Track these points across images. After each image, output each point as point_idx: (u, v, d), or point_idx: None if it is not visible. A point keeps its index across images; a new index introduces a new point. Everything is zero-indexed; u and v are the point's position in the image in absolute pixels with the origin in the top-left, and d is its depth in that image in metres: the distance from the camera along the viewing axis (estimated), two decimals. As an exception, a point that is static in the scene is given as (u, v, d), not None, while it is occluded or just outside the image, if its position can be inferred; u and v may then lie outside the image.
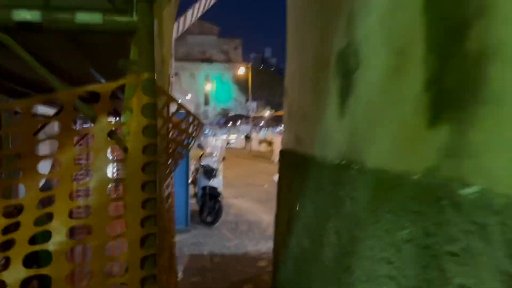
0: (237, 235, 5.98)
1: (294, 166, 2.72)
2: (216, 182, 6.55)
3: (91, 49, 1.39)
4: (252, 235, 5.99)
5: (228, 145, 41.16)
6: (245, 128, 42.94)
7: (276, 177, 4.47)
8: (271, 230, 6.59)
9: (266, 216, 7.26)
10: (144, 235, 0.99)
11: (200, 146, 7.09)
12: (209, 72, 68.78)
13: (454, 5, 1.00)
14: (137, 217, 0.98)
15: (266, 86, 65.52)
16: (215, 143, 7.18)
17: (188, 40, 70.81)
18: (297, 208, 2.56)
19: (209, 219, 6.40)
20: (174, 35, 12.62)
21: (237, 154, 26.90)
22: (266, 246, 5.42)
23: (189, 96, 61.47)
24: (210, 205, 6.40)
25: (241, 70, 31.48)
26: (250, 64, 30.62)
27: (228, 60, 70.90)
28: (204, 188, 6.45)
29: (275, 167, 13.66)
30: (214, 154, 6.96)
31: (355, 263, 1.47)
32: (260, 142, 29.98)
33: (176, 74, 69.82)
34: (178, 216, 5.92)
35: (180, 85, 70.79)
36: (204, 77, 66.92)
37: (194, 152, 7.18)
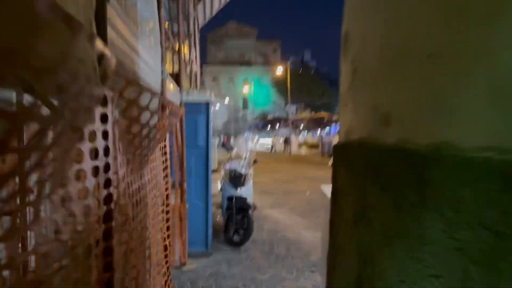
0: (272, 261, 4.59)
1: (375, 170, 1.28)
2: (245, 191, 5.21)
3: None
4: (291, 262, 4.57)
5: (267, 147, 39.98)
6: (284, 131, 41.45)
7: (326, 188, 3.03)
8: (315, 254, 5.16)
9: (309, 234, 5.81)
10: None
11: (225, 147, 5.78)
12: (247, 75, 68.00)
13: None
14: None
15: (305, 88, 63.66)
16: (245, 143, 5.84)
17: (226, 44, 70.60)
18: (382, 257, 1.15)
19: (236, 238, 5.07)
20: (201, 21, 11.58)
21: (276, 158, 25.49)
22: (311, 282, 3.98)
23: (227, 100, 61.00)
24: (237, 221, 5.07)
25: (279, 70, 30.08)
26: (288, 62, 29.19)
27: (267, 63, 69.83)
28: (230, 198, 5.14)
29: (318, 172, 12.17)
30: (243, 157, 5.63)
31: None
32: (300, 145, 28.39)
33: (215, 78, 69.84)
34: (195, 236, 4.62)
35: (219, 90, 70.75)
36: (243, 81, 66.19)
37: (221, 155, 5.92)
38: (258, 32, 73.48)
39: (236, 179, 5.26)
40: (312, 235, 5.74)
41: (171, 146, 4.14)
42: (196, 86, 8.38)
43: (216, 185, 7.89)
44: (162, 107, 2.49)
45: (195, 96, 4.74)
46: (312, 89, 63.93)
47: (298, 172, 15.65)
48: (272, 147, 30.56)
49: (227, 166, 5.39)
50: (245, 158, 5.60)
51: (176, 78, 4.52)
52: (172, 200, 4.24)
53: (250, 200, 5.27)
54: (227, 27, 72.49)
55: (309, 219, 6.84)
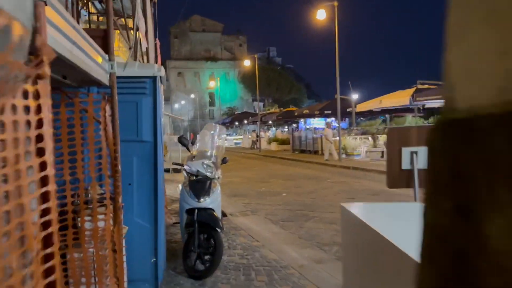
0: (250, 299, 3.27)
1: None
2: (211, 201, 3.84)
3: None
4: (277, 298, 3.26)
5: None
6: (252, 127, 40.17)
7: (351, 207, 1.77)
8: (308, 286, 3.86)
9: (294, 252, 4.52)
10: None
11: (182, 142, 4.36)
12: (213, 70, 66.13)
13: None
14: None
15: (273, 84, 62.70)
16: (210, 137, 4.45)
17: (191, 38, 68.24)
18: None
19: (199, 266, 3.69)
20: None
21: (245, 155, 24.17)
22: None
23: (192, 96, 58.94)
24: (201, 243, 3.69)
25: (247, 63, 28.72)
26: (256, 56, 27.91)
27: (233, 58, 68.20)
28: (190, 211, 3.76)
29: (292, 168, 10.85)
30: (209, 154, 4.26)
31: None
32: (270, 141, 27.22)
33: (179, 73, 67.39)
34: (138, 271, 3.21)
35: (184, 85, 68.33)
36: (209, 76, 64.24)
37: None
38: (223, 27, 71.66)
39: (198, 185, 3.87)
40: (299, 253, 4.46)
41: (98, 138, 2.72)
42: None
43: (178, 189, 6.49)
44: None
45: (136, 69, 3.31)
46: (280, 84, 63.06)
47: (271, 170, 14.42)
48: (253, 143, 29.16)
49: (187, 168, 3.98)
50: (212, 156, 4.23)
51: (103, 40, 3.05)
52: (100, 223, 2.82)
53: (218, 212, 3.91)
54: (191, 20, 70.06)
55: (291, 230, 5.57)
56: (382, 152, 14.94)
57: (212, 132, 4.59)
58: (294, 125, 34.68)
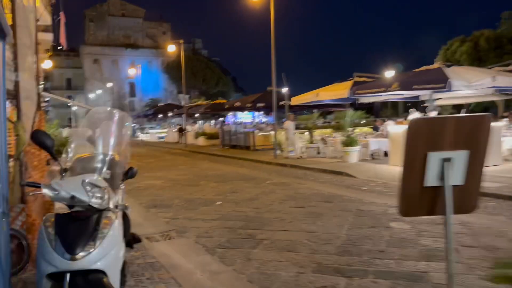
0: None
1: None
2: (100, 256, 2.02)
3: None
4: None
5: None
6: (178, 120, 37.40)
7: None
8: None
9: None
10: None
11: (41, 141, 2.36)
12: (134, 59, 61.26)
13: None
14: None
15: (200, 75, 60.13)
16: (103, 129, 2.57)
17: (109, 22, 62.44)
18: None
19: None
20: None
21: (170, 150, 21.85)
22: None
23: (110, 85, 53.94)
24: None
25: (171, 48, 26.23)
26: (181, 42, 25.50)
27: (156, 47, 63.89)
28: (56, 278, 1.91)
29: (224, 167, 8.90)
30: (97, 164, 2.41)
31: None
32: (197, 135, 25.20)
33: (96, 61, 61.45)
34: None
35: (101, 73, 62.31)
36: (129, 65, 59.30)
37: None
38: (145, 12, 66.81)
39: (74, 225, 2.03)
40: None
41: None
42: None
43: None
44: None
45: None
46: (206, 76, 60.68)
47: (199, 168, 12.58)
48: (179, 137, 26.70)
49: (50, 192, 2.07)
50: (104, 166, 2.38)
51: None
52: None
53: (114, 277, 2.08)
54: (109, 3, 64.05)
55: (235, 265, 3.91)
56: (318, 148, 13.98)
57: (107, 121, 2.71)
58: (221, 118, 32.95)
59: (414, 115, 13.15)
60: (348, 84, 13.45)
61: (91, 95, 58.18)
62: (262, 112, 29.38)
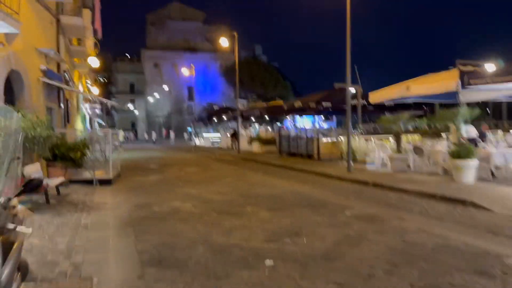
0: None
1: None
2: None
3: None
4: None
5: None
6: (234, 124, 35.01)
7: None
8: None
9: None
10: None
11: None
12: (193, 62, 60.66)
13: None
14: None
15: (258, 78, 57.84)
16: None
17: (169, 27, 62.65)
18: None
19: None
20: None
21: (220, 157, 19.26)
22: None
23: (166, 88, 53.53)
24: None
25: (224, 42, 23.85)
26: (236, 37, 23.01)
27: (215, 50, 62.89)
28: None
29: (280, 182, 5.45)
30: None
31: None
32: (251, 140, 22.47)
33: (156, 65, 61.91)
34: None
35: (161, 76, 62.62)
36: (188, 68, 58.71)
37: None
38: (205, 16, 66.30)
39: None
40: None
41: None
42: None
43: None
44: None
45: None
46: (265, 79, 58.22)
47: (249, 183, 9.65)
48: (232, 142, 24.51)
49: None
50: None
51: None
52: None
53: None
54: (170, 8, 64.37)
55: None
56: (407, 159, 10.39)
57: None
58: (278, 123, 29.94)
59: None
60: (453, 73, 9.78)
61: (151, 99, 58.48)
62: (321, 116, 25.87)
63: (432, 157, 9.90)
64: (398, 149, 10.60)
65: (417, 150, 10.04)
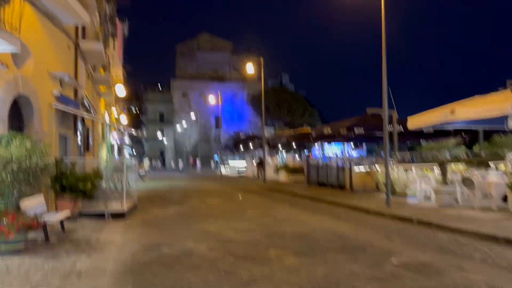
0: None
1: None
2: None
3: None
4: None
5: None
6: (261, 152, 34.09)
7: None
8: None
9: None
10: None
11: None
12: (221, 91, 61.10)
13: None
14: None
15: (285, 106, 57.36)
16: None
17: (198, 57, 63.98)
18: None
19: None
20: None
21: (244, 186, 18.34)
22: None
23: (193, 117, 53.83)
24: None
25: (250, 68, 23.49)
26: (262, 60, 22.62)
27: (242, 79, 63.39)
28: None
29: (310, 217, 5.11)
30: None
31: None
32: (278, 169, 21.52)
33: (184, 94, 62.94)
34: None
35: (189, 106, 63.47)
36: (215, 97, 59.19)
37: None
38: (233, 46, 67.42)
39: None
40: None
41: None
42: None
43: None
44: None
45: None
46: (292, 107, 57.67)
47: (274, 218, 8.65)
48: (258, 171, 23.73)
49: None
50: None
51: None
52: None
53: None
54: (199, 38, 65.99)
55: None
56: (455, 192, 9.10)
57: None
58: (306, 151, 28.85)
59: None
60: (506, 94, 8.64)
61: (179, 127, 58.98)
62: (350, 144, 24.64)
63: (484, 189, 8.61)
64: (444, 180, 9.36)
65: (467, 182, 8.79)
